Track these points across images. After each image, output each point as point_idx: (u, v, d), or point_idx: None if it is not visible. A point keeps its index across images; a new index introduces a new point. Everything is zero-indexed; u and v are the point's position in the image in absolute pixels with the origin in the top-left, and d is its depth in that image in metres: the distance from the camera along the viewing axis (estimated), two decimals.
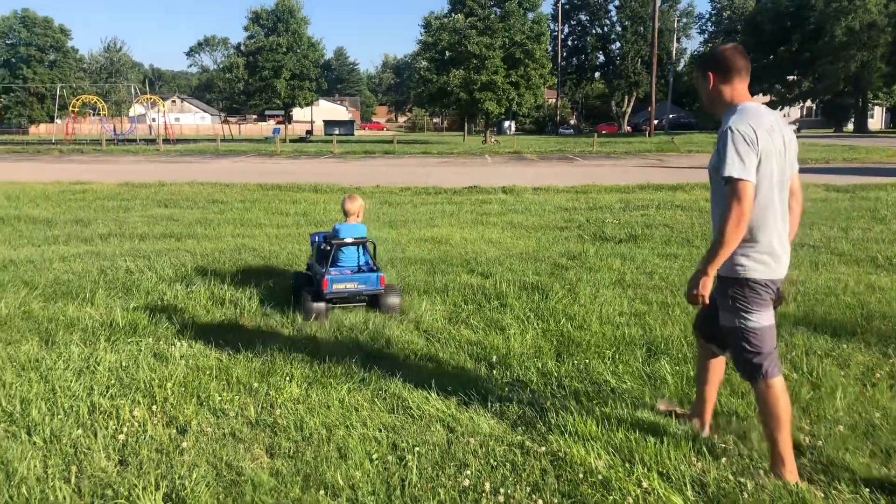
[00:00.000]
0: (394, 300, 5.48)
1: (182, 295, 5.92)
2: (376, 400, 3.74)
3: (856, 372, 4.09)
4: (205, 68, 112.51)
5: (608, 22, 73.20)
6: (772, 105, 58.34)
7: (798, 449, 3.18)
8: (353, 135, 72.45)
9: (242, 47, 54.22)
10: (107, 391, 3.85)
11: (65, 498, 2.80)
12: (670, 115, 66.06)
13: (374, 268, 5.65)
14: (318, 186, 15.56)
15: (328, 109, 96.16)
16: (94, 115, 59.32)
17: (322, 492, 2.84)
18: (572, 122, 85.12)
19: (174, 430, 3.40)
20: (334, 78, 74.40)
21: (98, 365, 4.22)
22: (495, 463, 3.07)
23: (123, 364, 4.26)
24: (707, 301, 2.85)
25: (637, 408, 3.59)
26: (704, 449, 3.14)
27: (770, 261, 2.86)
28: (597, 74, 78.10)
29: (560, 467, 3.02)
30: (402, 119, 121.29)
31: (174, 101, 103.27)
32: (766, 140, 2.76)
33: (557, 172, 21.50)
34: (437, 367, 4.28)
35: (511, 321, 5.12)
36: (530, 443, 3.23)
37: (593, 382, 3.98)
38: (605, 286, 6.18)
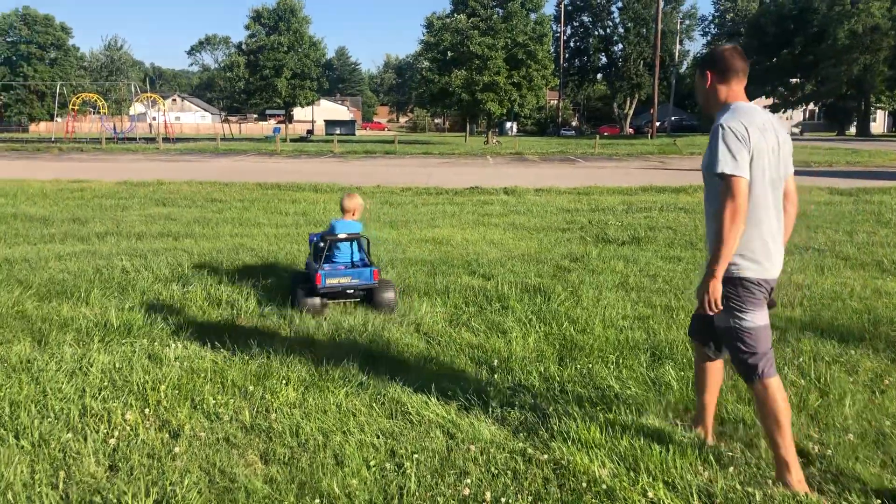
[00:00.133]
0: (388, 295, 5.49)
1: (178, 295, 5.84)
2: (374, 405, 3.65)
3: (864, 379, 4.00)
4: (206, 67, 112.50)
5: (611, 23, 73.07)
6: (774, 108, 58.39)
7: (807, 458, 3.10)
8: (354, 135, 72.40)
9: (244, 46, 54.13)
10: (99, 393, 3.76)
11: None
12: (672, 118, 66.04)
13: (368, 263, 5.67)
14: (317, 186, 15.48)
15: (329, 109, 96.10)
16: (94, 113, 59.27)
17: (317, 500, 2.75)
18: (574, 123, 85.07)
19: (167, 435, 3.31)
20: (336, 78, 74.31)
21: (91, 366, 4.13)
22: (496, 471, 2.98)
23: (117, 365, 4.17)
24: (721, 305, 2.79)
25: (642, 414, 3.51)
26: (711, 458, 3.05)
27: (763, 260, 2.83)
28: (599, 76, 77.91)
29: (563, 476, 2.93)
30: (403, 119, 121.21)
31: (174, 100, 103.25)
32: (758, 138, 2.75)
33: (559, 174, 21.42)
34: (438, 370, 4.19)
35: (513, 324, 5.04)
36: (532, 450, 3.14)
37: (596, 388, 3.90)
38: (608, 289, 6.09)
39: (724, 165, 2.69)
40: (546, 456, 3.07)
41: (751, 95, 3.45)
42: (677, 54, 71.03)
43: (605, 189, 15.15)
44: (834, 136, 59.56)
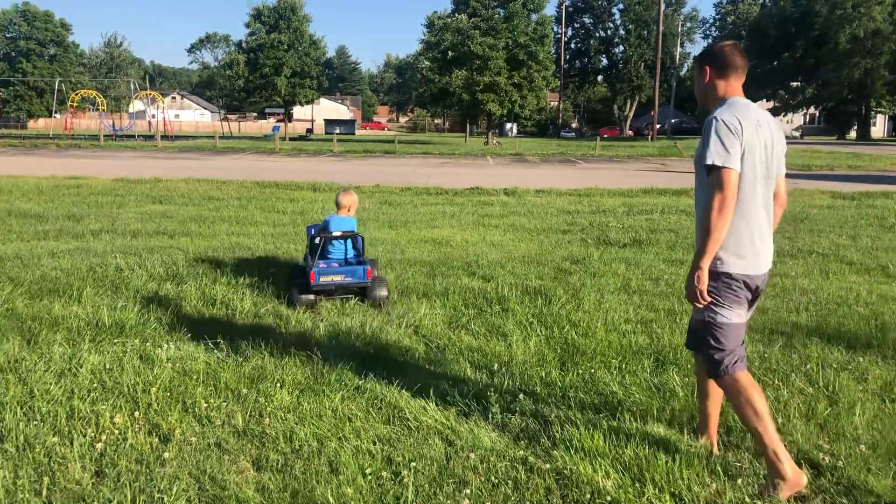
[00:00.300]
0: (381, 292, 5.56)
1: (172, 294, 5.73)
2: (371, 410, 3.54)
3: (874, 387, 3.90)
4: (206, 65, 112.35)
5: (612, 25, 72.97)
6: (775, 111, 58.30)
7: (817, 468, 3.00)
8: (353, 134, 72.34)
9: (244, 44, 53.95)
10: (88, 395, 3.65)
11: None
12: (673, 120, 65.94)
13: (362, 261, 5.74)
14: (316, 185, 15.37)
15: (329, 108, 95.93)
16: (93, 110, 59.14)
17: None
18: (574, 125, 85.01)
19: (156, 439, 3.21)
20: (336, 77, 73.85)
21: (80, 367, 4.02)
22: (496, 480, 2.88)
23: (107, 366, 4.06)
24: (707, 297, 2.78)
25: (646, 422, 3.40)
26: (718, 468, 2.95)
27: (748, 255, 2.81)
28: (599, 78, 77.84)
29: (566, 486, 2.83)
30: (403, 119, 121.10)
31: (174, 98, 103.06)
32: (752, 133, 2.73)
33: (560, 175, 21.32)
34: (436, 374, 4.09)
35: (513, 327, 4.93)
36: (534, 458, 3.04)
37: (599, 394, 3.79)
38: (609, 292, 5.99)
39: (715, 157, 2.68)
40: (548, 465, 2.96)
41: (751, 98, 3.39)
42: (678, 57, 70.94)
43: (605, 191, 15.06)
44: (834, 140, 59.47)
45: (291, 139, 52.57)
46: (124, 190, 14.05)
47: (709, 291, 2.80)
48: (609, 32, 73.29)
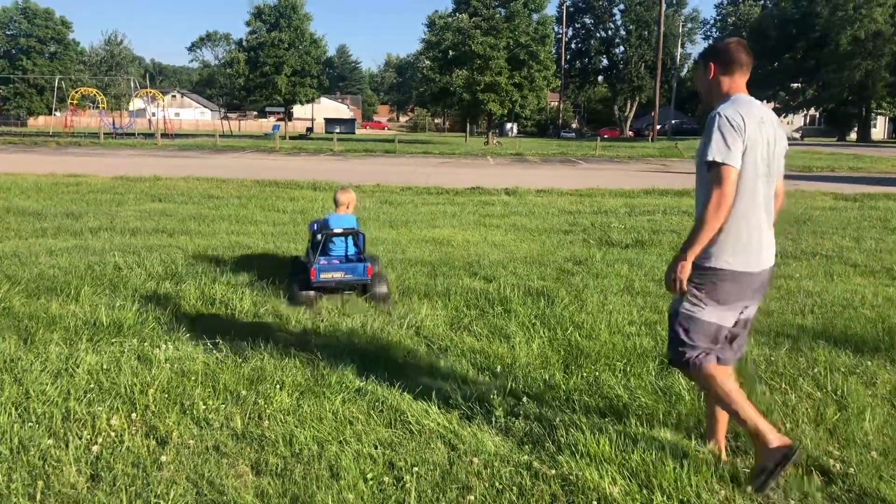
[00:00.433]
0: (381, 289, 5.59)
1: (171, 293, 5.66)
2: (372, 412, 3.48)
3: (883, 391, 3.84)
4: (206, 63, 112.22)
5: (612, 26, 72.92)
6: (775, 112, 57.96)
7: (828, 475, 2.94)
8: (353, 133, 72.28)
9: (244, 42, 53.85)
10: (84, 396, 3.59)
11: None
12: (673, 121, 65.87)
13: (362, 258, 5.77)
14: (316, 184, 15.29)
15: (329, 107, 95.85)
16: (93, 107, 59.03)
17: None
18: (574, 125, 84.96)
19: (153, 442, 3.14)
20: (336, 76, 73.74)
21: (77, 367, 3.96)
22: (501, 486, 2.82)
23: (104, 367, 4.00)
24: (685, 287, 2.78)
25: (652, 426, 3.34)
26: (727, 475, 2.89)
27: (742, 253, 2.78)
28: (600, 78, 77.79)
29: (572, 493, 2.77)
30: (403, 119, 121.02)
31: (174, 96, 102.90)
32: (754, 130, 2.72)
33: (560, 175, 21.26)
34: (438, 376, 4.02)
35: (516, 329, 4.87)
36: (538, 464, 2.98)
37: (604, 397, 3.73)
38: (612, 293, 5.93)
39: (716, 153, 2.67)
40: (554, 471, 2.90)
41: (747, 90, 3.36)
42: (679, 57, 70.90)
43: (607, 191, 14.99)
44: (834, 141, 59.44)
45: (291, 138, 52.48)
46: (124, 188, 13.98)
47: (695, 285, 2.80)
48: (610, 33, 73.26)
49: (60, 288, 5.68)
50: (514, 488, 2.80)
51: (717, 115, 2.72)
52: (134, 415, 3.39)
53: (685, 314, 2.84)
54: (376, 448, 3.11)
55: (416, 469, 2.91)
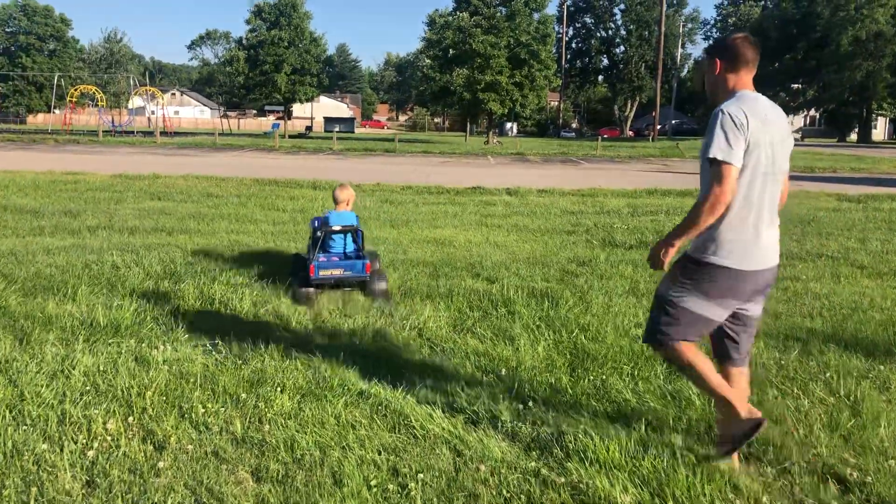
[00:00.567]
0: (380, 285, 5.65)
1: (170, 293, 5.58)
2: (375, 417, 3.39)
3: None
4: (206, 62, 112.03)
5: (613, 25, 72.86)
6: None
7: (845, 484, 2.86)
8: (353, 132, 72.22)
9: (244, 41, 53.72)
10: (80, 398, 3.50)
11: None
12: (673, 121, 65.83)
13: (361, 255, 5.82)
14: (316, 183, 15.20)
15: (329, 106, 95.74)
16: (92, 105, 58.90)
17: None
18: (574, 125, 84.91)
19: (151, 447, 3.05)
20: (336, 75, 73.63)
21: (73, 369, 3.88)
22: (508, 494, 2.74)
23: (101, 368, 3.91)
24: (666, 267, 2.86)
25: (662, 432, 3.26)
26: (741, 483, 2.81)
27: (738, 251, 2.75)
28: (600, 78, 77.71)
29: (582, 502, 2.69)
30: (402, 118, 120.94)
31: (174, 94, 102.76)
32: (758, 128, 2.68)
33: (562, 175, 21.18)
34: (442, 379, 3.93)
35: (520, 331, 4.78)
36: (547, 471, 2.89)
37: (612, 401, 3.65)
38: (617, 295, 5.84)
39: (717, 151, 2.65)
40: (563, 479, 2.82)
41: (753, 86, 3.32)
42: (679, 57, 70.82)
43: (609, 191, 14.90)
44: (835, 142, 59.39)
45: (291, 137, 52.41)
46: (122, 186, 13.89)
47: (688, 274, 2.83)
48: (610, 32, 73.18)
49: (57, 287, 5.60)
50: (523, 497, 2.72)
51: (721, 113, 2.69)
52: (131, 418, 3.30)
53: (670, 299, 2.87)
54: (380, 454, 3.03)
55: (421, 476, 2.83)
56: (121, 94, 74.57)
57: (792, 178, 3.09)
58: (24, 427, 3.19)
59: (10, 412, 3.33)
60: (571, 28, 71.62)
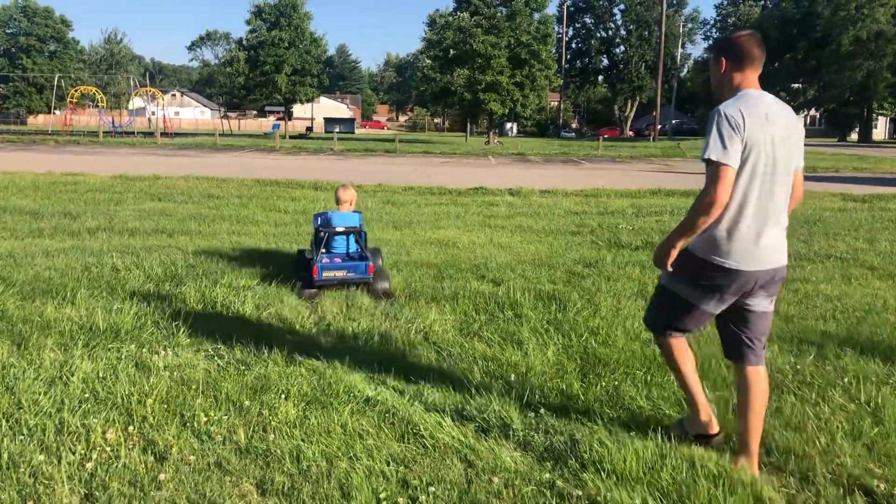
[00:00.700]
0: (383, 285, 5.73)
1: (171, 296, 5.47)
2: (383, 425, 3.29)
3: None
4: (206, 62, 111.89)
5: (613, 26, 72.74)
6: None
7: (871, 496, 2.75)
8: (353, 133, 72.13)
9: (244, 41, 53.64)
10: (79, 406, 3.40)
11: None
12: (673, 121, 65.73)
13: (364, 256, 5.87)
14: (317, 184, 15.10)
15: (329, 107, 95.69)
16: (92, 106, 58.84)
17: None
18: (574, 125, 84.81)
19: (151, 458, 2.95)
20: (336, 75, 73.50)
21: (72, 375, 3.77)
22: None
23: (100, 375, 3.81)
24: (670, 268, 2.88)
25: (680, 441, 3.15)
26: (765, 495, 2.70)
27: (736, 250, 2.74)
28: (600, 78, 77.60)
29: None
30: (402, 118, 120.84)
31: (174, 95, 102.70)
32: (756, 128, 2.66)
33: (563, 175, 21.08)
34: (450, 385, 3.83)
35: (528, 334, 4.68)
36: (562, 483, 2.79)
37: (625, 408, 3.54)
38: (626, 297, 5.74)
39: (712, 152, 2.65)
40: (580, 491, 2.71)
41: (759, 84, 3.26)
42: (679, 57, 70.72)
43: (612, 191, 14.80)
44: (835, 142, 59.26)
45: (291, 137, 52.31)
46: (122, 187, 13.79)
47: (688, 268, 2.88)
48: (610, 33, 73.07)
49: (56, 290, 5.50)
50: None
51: (717, 113, 2.68)
52: (131, 427, 3.20)
53: (669, 291, 2.99)
54: (389, 464, 2.93)
55: (431, 488, 2.73)
56: (121, 95, 74.47)
57: None
58: (21, 437, 3.09)
59: (7, 421, 3.23)
60: (571, 28, 71.52)
